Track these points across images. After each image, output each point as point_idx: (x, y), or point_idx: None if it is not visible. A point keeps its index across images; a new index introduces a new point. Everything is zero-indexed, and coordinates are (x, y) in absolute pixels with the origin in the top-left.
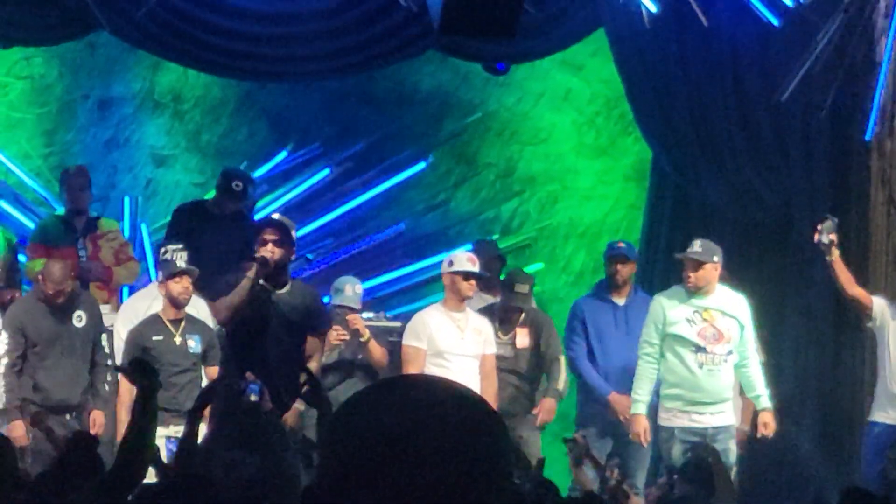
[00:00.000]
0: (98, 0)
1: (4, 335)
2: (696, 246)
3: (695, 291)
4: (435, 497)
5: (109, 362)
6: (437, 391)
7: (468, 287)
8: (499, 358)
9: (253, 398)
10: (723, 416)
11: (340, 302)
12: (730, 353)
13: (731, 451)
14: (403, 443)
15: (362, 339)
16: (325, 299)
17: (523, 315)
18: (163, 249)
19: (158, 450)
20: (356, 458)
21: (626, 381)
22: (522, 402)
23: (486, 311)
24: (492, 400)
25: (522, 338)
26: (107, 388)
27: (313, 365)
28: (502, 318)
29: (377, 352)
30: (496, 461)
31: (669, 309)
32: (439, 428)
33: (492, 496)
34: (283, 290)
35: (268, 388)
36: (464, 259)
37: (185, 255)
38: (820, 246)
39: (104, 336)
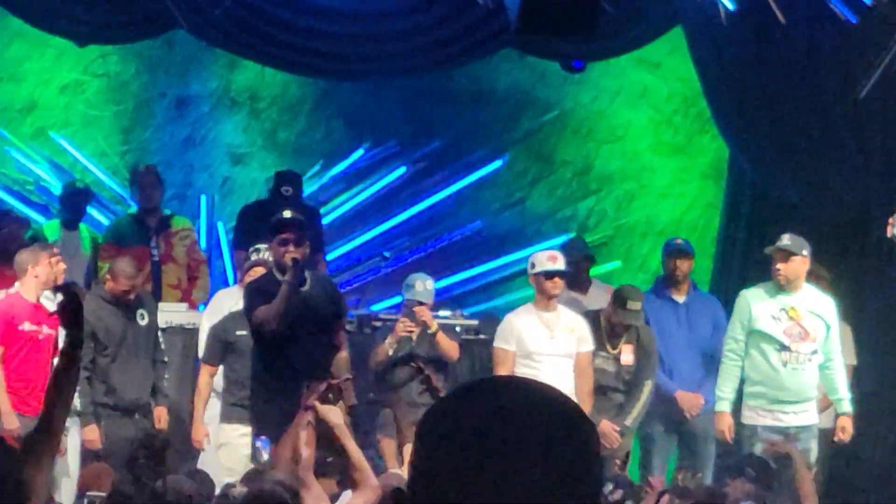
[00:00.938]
0: None
1: None
2: (786, 239)
3: (784, 285)
4: (526, 501)
5: (166, 359)
6: (530, 394)
7: (552, 286)
8: (600, 371)
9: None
10: (806, 416)
11: (411, 297)
12: (814, 352)
13: (812, 450)
14: (495, 446)
15: (430, 331)
16: (397, 298)
17: (630, 331)
18: (251, 249)
19: None
20: (448, 460)
21: (690, 379)
22: (617, 415)
23: (590, 316)
24: (586, 397)
25: (627, 354)
26: (166, 384)
27: (343, 354)
28: (609, 331)
29: (446, 343)
30: (587, 467)
31: (755, 305)
32: (531, 432)
33: (581, 502)
34: (306, 287)
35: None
36: (544, 259)
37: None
38: (894, 239)
39: (160, 333)
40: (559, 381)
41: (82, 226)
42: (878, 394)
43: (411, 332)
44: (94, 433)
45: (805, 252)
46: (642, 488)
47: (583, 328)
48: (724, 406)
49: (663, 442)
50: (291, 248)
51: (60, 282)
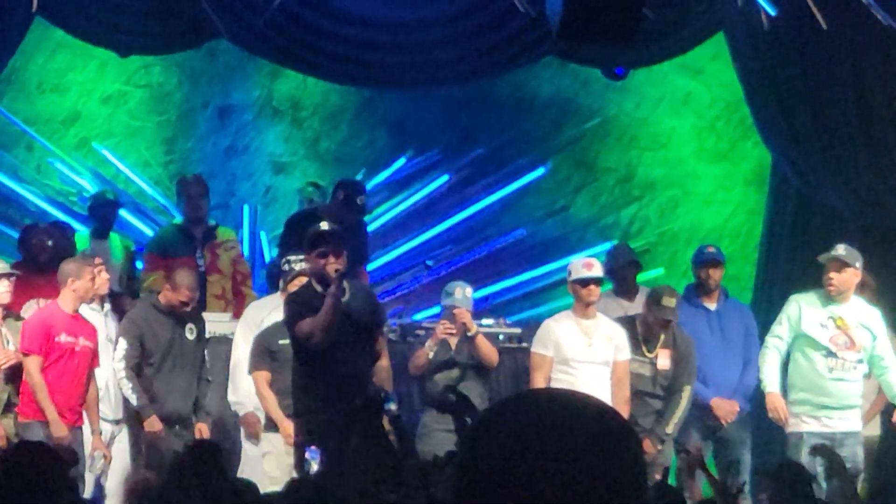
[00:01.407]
0: (218, 8)
1: (123, 342)
2: (841, 249)
3: (835, 296)
4: None
5: (210, 378)
6: (575, 407)
7: (588, 293)
8: (637, 376)
9: (394, 407)
10: (851, 422)
11: (450, 304)
12: (860, 361)
13: (858, 455)
14: (540, 458)
15: (469, 334)
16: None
17: (667, 336)
18: (283, 260)
19: None
20: (494, 472)
21: (724, 386)
22: (655, 420)
23: (626, 322)
24: (623, 405)
25: (664, 359)
26: (208, 402)
27: (384, 363)
28: (646, 335)
29: (486, 347)
30: (632, 478)
31: (805, 309)
32: (576, 445)
33: None
34: (346, 297)
35: (356, 393)
36: (579, 266)
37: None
38: None
39: (207, 351)
40: (596, 389)
41: (113, 235)
42: None
43: (451, 333)
44: (158, 423)
45: (858, 264)
46: (680, 454)
47: (621, 336)
48: (773, 387)
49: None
50: (332, 259)
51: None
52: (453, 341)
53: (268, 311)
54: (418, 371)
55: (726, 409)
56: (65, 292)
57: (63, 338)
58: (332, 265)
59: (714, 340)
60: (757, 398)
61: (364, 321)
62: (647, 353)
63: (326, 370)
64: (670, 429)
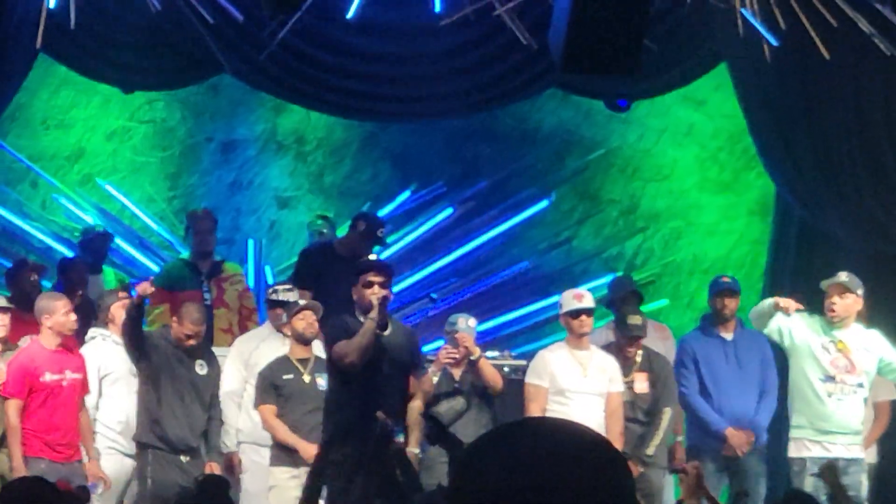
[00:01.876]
0: (220, 43)
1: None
2: (843, 276)
3: (836, 321)
4: None
5: (223, 418)
6: (566, 436)
7: (580, 324)
8: None
9: (400, 438)
10: (854, 449)
11: (454, 332)
12: (860, 385)
13: (862, 484)
14: (533, 489)
15: (472, 358)
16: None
17: (642, 359)
18: (270, 290)
19: None
20: (485, 502)
21: (740, 416)
22: (637, 447)
23: (607, 349)
24: (616, 438)
25: (641, 383)
26: (218, 441)
27: (417, 404)
28: (621, 360)
29: (489, 371)
30: None
31: (807, 326)
32: (568, 474)
33: None
34: (388, 332)
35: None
36: (570, 298)
37: (295, 292)
38: None
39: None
40: (590, 419)
41: (106, 268)
42: None
43: (454, 359)
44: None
45: (860, 291)
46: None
47: (614, 368)
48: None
49: (714, 480)
50: (377, 289)
51: (69, 332)
52: (457, 372)
53: (256, 343)
54: (424, 398)
55: (741, 439)
56: (42, 330)
57: (48, 377)
58: (376, 294)
59: (730, 370)
60: (772, 427)
61: (401, 359)
62: (623, 378)
63: (355, 401)
64: (650, 451)
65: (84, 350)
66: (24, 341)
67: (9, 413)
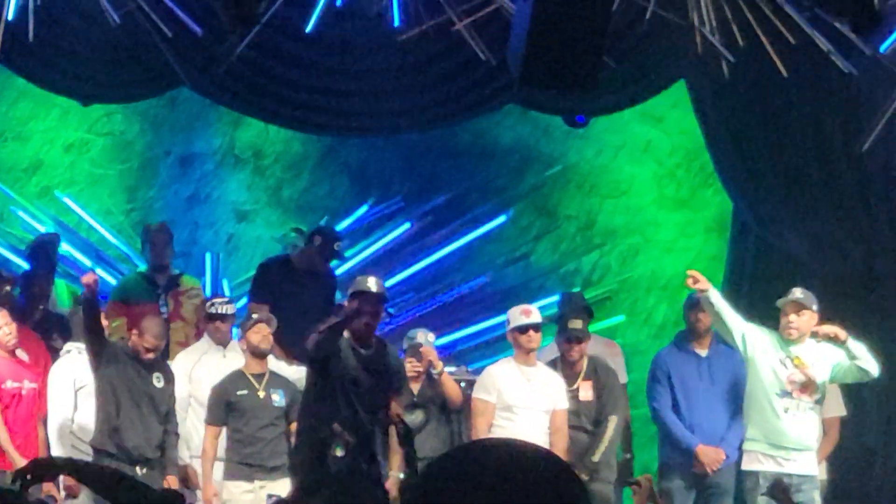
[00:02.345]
0: (179, 57)
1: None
2: (798, 292)
3: (793, 339)
4: None
5: (179, 432)
6: (517, 453)
7: (527, 339)
8: None
9: (339, 453)
10: (808, 465)
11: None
12: (817, 402)
13: (815, 501)
14: None
15: (434, 371)
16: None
17: (586, 367)
18: (208, 304)
19: None
20: None
21: (711, 433)
22: (584, 455)
23: (551, 364)
24: (562, 454)
25: (585, 391)
26: (175, 455)
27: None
28: (565, 368)
29: (450, 386)
30: None
31: (767, 339)
32: (522, 491)
33: None
34: (371, 350)
35: (362, 444)
36: (517, 314)
37: (232, 305)
38: None
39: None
40: (535, 435)
41: (59, 281)
42: (882, 446)
43: (418, 372)
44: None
45: (815, 307)
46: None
47: (560, 386)
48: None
49: (682, 497)
50: (366, 319)
51: (11, 346)
52: (415, 386)
53: (197, 356)
54: None
55: (711, 456)
56: None
57: (9, 384)
58: (362, 322)
59: (703, 387)
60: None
61: (384, 380)
62: (568, 387)
63: (330, 418)
64: (596, 457)
65: (60, 363)
66: None
67: None
